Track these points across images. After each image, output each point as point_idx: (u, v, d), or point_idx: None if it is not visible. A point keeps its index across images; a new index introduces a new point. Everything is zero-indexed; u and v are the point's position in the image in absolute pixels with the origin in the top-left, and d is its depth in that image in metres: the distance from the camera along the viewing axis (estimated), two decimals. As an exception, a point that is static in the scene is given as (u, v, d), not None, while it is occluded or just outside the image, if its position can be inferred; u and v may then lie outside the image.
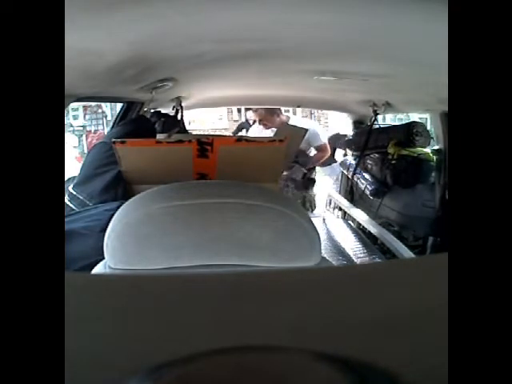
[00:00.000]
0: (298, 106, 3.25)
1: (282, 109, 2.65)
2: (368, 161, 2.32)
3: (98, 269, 0.39)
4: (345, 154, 2.69)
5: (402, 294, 0.22)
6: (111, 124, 2.07)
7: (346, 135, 2.63)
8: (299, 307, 0.20)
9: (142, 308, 0.21)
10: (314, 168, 2.67)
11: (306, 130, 1.84)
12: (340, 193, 2.71)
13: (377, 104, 1.98)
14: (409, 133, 2.06)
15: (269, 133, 2.37)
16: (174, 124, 1.84)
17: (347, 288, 0.22)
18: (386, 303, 0.21)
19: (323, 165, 2.78)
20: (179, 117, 1.95)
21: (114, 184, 1.14)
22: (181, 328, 0.19)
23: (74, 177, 1.26)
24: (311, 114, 8.15)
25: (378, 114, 2.08)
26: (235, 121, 9.02)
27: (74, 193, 1.14)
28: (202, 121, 8.89)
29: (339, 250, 1.95)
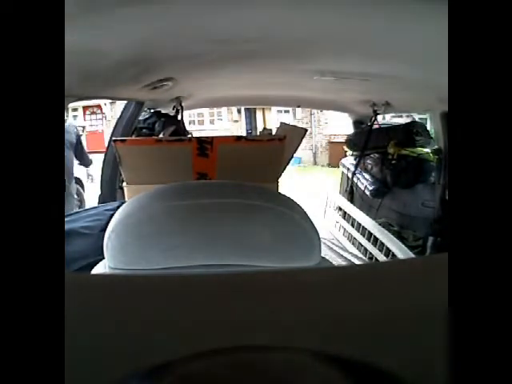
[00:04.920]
0: (298, 106, 3.26)
1: (282, 109, 2.65)
2: (368, 161, 2.32)
3: (97, 269, 0.39)
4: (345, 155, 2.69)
5: (402, 294, 0.22)
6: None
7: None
8: (299, 307, 0.20)
9: (141, 308, 0.21)
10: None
11: (306, 130, 1.84)
12: (340, 193, 2.71)
13: (377, 104, 1.98)
14: (409, 133, 2.07)
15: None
16: (172, 123, 1.84)
17: (347, 288, 0.22)
18: (386, 303, 0.21)
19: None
20: (179, 117, 1.95)
21: None
22: (180, 328, 0.19)
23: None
24: (311, 114, 8.17)
25: (378, 113, 2.08)
26: (235, 121, 9.04)
27: None
28: (201, 121, 8.90)
29: (339, 251, 1.95)
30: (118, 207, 0.38)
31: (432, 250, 1.90)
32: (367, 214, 2.16)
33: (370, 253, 2.01)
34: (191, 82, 1.51)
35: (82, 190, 3.45)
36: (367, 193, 2.24)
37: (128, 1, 0.63)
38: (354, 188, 2.46)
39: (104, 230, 0.37)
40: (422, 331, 0.19)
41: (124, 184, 1.26)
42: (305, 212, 0.38)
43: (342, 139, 2.96)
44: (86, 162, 2.93)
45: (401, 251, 1.68)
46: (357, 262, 1.80)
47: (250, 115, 8.76)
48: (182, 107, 1.92)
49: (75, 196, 2.88)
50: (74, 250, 0.76)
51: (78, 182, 3.43)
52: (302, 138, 1.82)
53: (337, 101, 2.14)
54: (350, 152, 2.63)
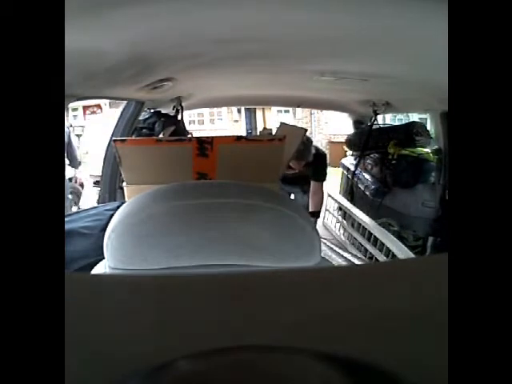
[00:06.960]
0: (298, 106, 3.27)
1: (282, 109, 2.66)
2: (368, 161, 2.32)
3: (97, 269, 0.39)
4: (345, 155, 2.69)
5: (402, 294, 0.22)
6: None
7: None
8: (299, 307, 0.20)
9: (142, 308, 0.21)
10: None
11: (306, 130, 1.84)
12: (340, 193, 2.71)
13: (377, 104, 1.98)
14: (409, 133, 2.07)
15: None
16: (173, 123, 1.84)
17: (347, 288, 0.22)
18: (386, 303, 0.21)
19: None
20: (179, 117, 1.95)
21: None
22: (180, 328, 0.19)
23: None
24: (311, 114, 8.17)
25: (378, 113, 2.08)
26: (235, 121, 9.04)
27: None
28: (201, 121, 8.90)
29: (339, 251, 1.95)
30: (118, 207, 0.38)
31: (432, 249, 1.90)
32: (367, 214, 2.16)
33: (370, 253, 2.01)
34: (191, 81, 1.51)
35: (81, 190, 3.46)
36: (367, 193, 2.24)
37: (128, 1, 0.63)
38: (354, 188, 2.47)
39: (104, 229, 0.37)
40: (422, 331, 0.19)
41: (124, 184, 1.26)
42: (305, 212, 0.38)
43: (342, 139, 2.96)
44: (74, 164, 2.92)
45: (401, 251, 1.68)
46: (357, 262, 1.80)
47: (250, 115, 8.75)
48: (181, 107, 1.92)
49: (69, 196, 2.88)
50: (74, 249, 0.76)
51: (80, 183, 3.44)
52: (302, 138, 1.82)
53: (337, 101, 2.14)
54: (350, 152, 2.63)
